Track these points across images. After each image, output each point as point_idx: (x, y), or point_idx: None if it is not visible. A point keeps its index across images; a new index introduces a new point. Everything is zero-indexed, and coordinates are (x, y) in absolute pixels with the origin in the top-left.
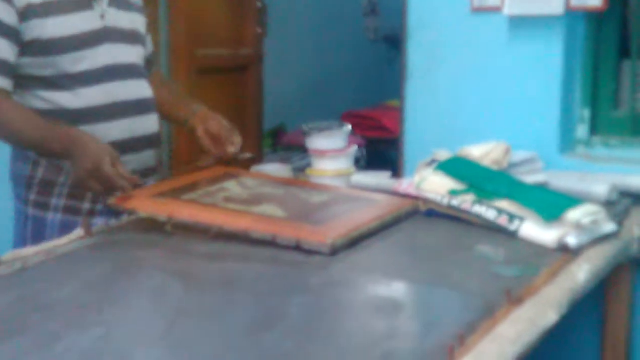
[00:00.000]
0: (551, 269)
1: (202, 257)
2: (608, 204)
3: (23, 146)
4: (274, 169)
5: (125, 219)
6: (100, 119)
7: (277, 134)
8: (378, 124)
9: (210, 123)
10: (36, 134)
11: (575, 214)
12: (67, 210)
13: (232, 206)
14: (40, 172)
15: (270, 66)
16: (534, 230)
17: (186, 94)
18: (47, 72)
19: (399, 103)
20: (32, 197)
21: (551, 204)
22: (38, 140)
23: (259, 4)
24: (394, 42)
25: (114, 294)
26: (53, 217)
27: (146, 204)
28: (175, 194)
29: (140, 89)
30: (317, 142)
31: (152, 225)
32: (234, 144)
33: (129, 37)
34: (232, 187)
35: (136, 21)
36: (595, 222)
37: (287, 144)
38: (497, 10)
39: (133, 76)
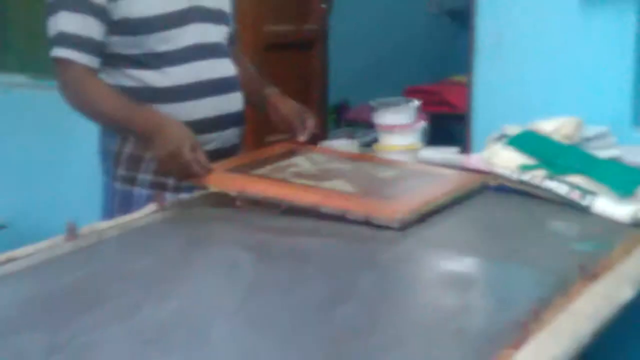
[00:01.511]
0: (625, 244)
1: (273, 231)
2: None
3: (106, 124)
4: (342, 144)
5: (197, 193)
6: (186, 98)
7: (340, 110)
8: (441, 99)
9: (283, 108)
10: (119, 114)
11: None
12: (154, 185)
13: (301, 181)
14: (128, 148)
15: (334, 42)
16: (608, 205)
17: (259, 75)
18: (134, 51)
19: (463, 78)
20: (120, 171)
21: (625, 178)
22: (120, 119)
23: None
24: (457, 16)
25: (187, 267)
26: (140, 192)
27: (218, 179)
28: (246, 169)
29: (225, 68)
30: (385, 117)
31: (224, 200)
32: (306, 129)
33: (214, 16)
34: (301, 162)
35: (221, 0)
36: None
37: (351, 120)
38: None
39: (218, 55)
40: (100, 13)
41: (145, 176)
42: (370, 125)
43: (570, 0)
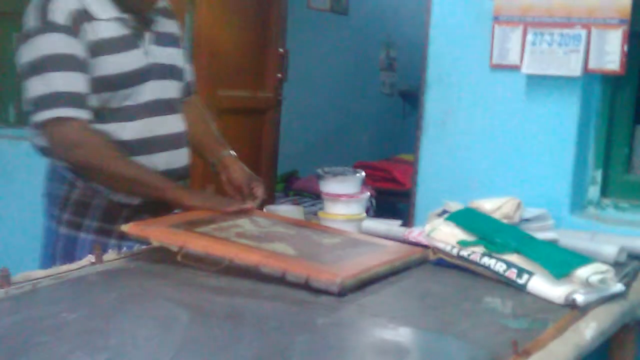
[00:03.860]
0: (558, 324)
1: (211, 289)
2: (616, 265)
3: (111, 181)
4: (287, 209)
5: (137, 248)
6: (141, 152)
7: (289, 179)
8: (388, 176)
9: (234, 173)
10: (133, 173)
11: (584, 272)
12: (99, 231)
13: (243, 241)
14: (75, 194)
15: (288, 111)
16: (542, 285)
17: (218, 133)
18: (95, 105)
19: (411, 157)
20: (66, 216)
21: (561, 260)
22: (132, 178)
23: (281, 50)
24: (408, 98)
25: (121, 321)
26: (85, 237)
27: (159, 234)
28: (189, 226)
29: (176, 124)
30: (331, 186)
31: (164, 255)
32: (255, 198)
33: (170, 72)
34: (245, 224)
35: (174, 55)
36: (603, 281)
37: (298, 189)
38: (515, 68)
39: (172, 111)
40: (85, 67)
41: (91, 222)
42: (317, 196)
43: (517, 85)
